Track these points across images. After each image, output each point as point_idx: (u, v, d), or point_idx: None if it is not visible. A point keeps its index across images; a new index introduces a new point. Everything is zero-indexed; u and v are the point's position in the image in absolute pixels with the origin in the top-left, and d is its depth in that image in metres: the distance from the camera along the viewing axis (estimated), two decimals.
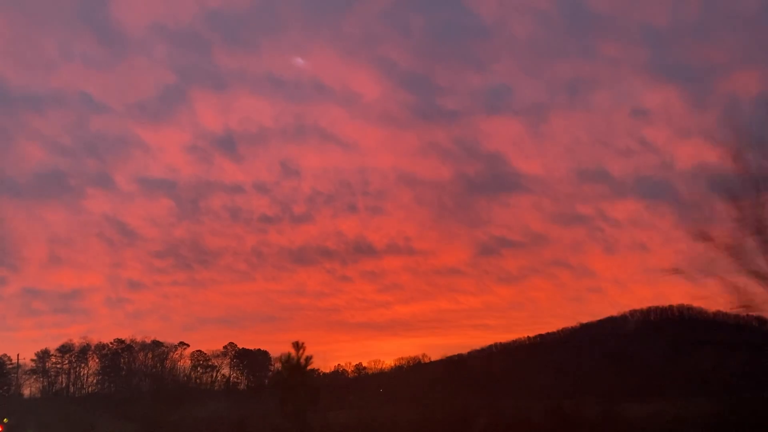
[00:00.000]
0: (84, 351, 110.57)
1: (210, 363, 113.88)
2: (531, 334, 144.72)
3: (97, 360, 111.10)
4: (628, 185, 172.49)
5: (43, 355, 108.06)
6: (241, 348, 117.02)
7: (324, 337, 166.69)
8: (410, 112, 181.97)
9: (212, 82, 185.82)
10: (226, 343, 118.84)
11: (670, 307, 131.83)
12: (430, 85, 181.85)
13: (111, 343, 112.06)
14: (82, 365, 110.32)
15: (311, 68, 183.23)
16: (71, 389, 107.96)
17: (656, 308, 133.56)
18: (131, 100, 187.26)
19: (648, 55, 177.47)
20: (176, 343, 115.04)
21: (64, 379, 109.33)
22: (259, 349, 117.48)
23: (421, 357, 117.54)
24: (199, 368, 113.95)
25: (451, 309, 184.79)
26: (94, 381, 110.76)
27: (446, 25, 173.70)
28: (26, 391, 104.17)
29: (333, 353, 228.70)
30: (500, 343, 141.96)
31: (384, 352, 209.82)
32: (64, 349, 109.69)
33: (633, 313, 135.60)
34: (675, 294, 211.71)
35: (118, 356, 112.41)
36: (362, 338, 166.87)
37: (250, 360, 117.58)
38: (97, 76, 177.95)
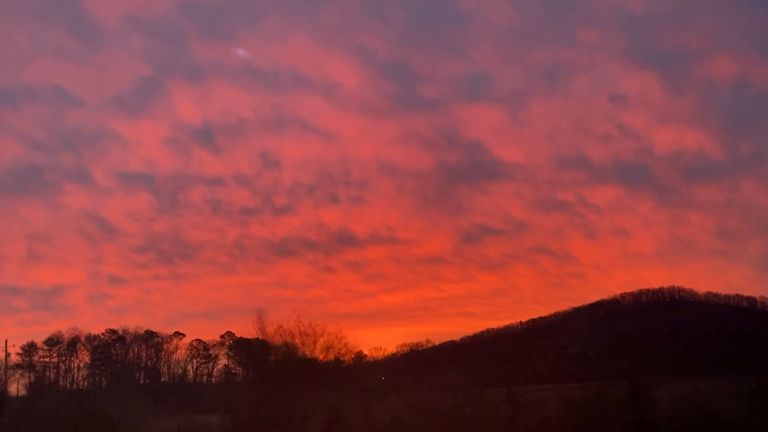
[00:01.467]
0: (73, 343, 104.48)
1: (209, 353, 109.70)
2: (522, 320, 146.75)
3: (87, 353, 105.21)
4: (607, 171, 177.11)
5: (30, 349, 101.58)
6: (239, 337, 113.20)
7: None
8: (390, 101, 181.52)
9: (189, 73, 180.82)
10: (211, 336, 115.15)
11: (661, 289, 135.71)
12: (410, 73, 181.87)
13: (102, 334, 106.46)
14: (73, 358, 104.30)
15: (290, 58, 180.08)
16: (61, 383, 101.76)
17: (647, 291, 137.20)
18: (107, 94, 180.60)
19: (626, 41, 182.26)
20: (171, 334, 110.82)
21: (52, 374, 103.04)
22: (258, 338, 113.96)
23: (425, 343, 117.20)
24: (196, 359, 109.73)
25: (435, 297, 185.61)
26: (86, 374, 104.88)
27: (425, 13, 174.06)
28: (11, 388, 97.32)
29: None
30: (492, 329, 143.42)
31: (370, 342, 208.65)
32: (52, 342, 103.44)
33: (624, 296, 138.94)
34: (655, 278, 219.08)
35: (109, 347, 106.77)
36: (347, 329, 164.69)
37: (249, 349, 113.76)
38: (71, 69, 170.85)
